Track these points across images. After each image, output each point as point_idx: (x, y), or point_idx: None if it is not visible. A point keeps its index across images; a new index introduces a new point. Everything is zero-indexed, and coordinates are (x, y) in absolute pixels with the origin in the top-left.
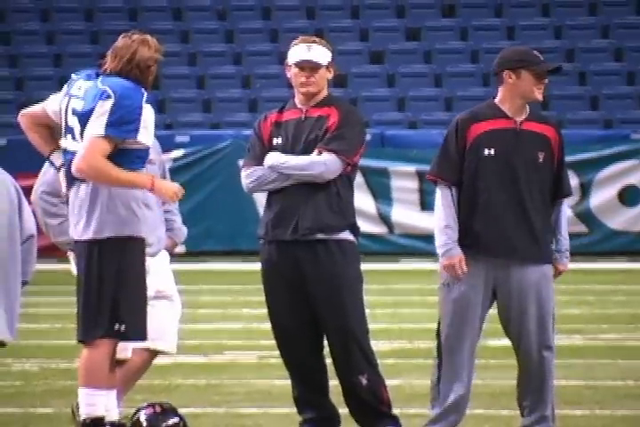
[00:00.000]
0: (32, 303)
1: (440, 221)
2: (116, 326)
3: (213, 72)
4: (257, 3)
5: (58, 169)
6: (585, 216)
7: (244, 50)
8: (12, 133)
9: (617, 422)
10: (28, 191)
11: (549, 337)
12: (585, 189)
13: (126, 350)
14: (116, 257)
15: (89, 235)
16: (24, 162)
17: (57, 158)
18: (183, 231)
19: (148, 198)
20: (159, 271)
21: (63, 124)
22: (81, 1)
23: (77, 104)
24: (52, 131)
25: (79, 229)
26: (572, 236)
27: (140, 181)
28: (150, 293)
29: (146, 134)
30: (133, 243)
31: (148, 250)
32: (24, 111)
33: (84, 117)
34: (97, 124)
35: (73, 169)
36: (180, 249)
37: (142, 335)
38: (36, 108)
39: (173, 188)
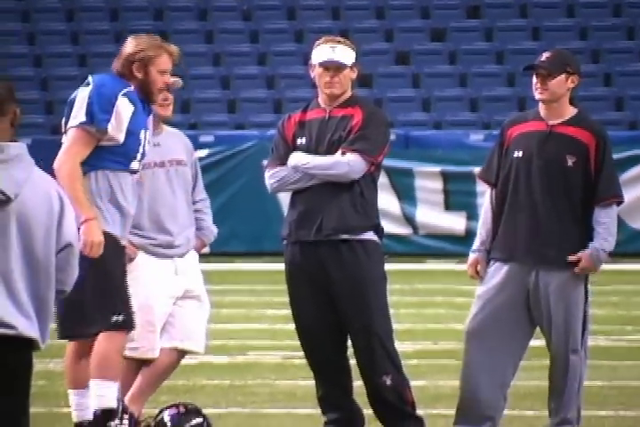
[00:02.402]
0: None
1: (479, 222)
2: (114, 318)
3: (238, 72)
4: (282, 3)
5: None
6: None
7: (269, 50)
8: (37, 133)
9: None
10: None
11: (577, 341)
12: None
13: (153, 350)
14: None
15: None
16: (48, 161)
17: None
18: (213, 231)
19: (123, 197)
20: (187, 271)
21: None
22: (106, 1)
23: None
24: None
25: None
26: None
27: (83, 207)
28: (179, 293)
29: (117, 128)
30: (107, 239)
31: (176, 251)
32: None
33: (68, 107)
34: (79, 113)
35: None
36: (205, 249)
37: (134, 326)
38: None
39: (96, 240)
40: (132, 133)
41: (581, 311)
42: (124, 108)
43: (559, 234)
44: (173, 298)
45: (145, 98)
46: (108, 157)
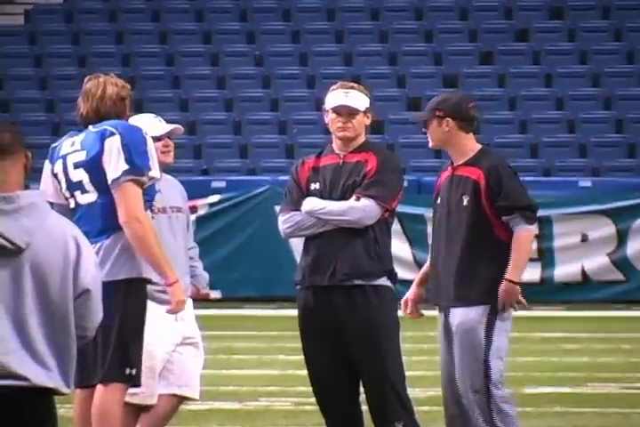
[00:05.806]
0: None
1: None
2: (127, 371)
3: (250, 117)
4: (294, 49)
5: None
6: (622, 264)
7: (282, 95)
8: None
9: None
10: None
11: (477, 381)
12: (621, 237)
13: (153, 396)
14: (122, 299)
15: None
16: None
17: None
18: (205, 277)
19: None
20: (186, 318)
21: (65, 185)
22: (117, 48)
23: (78, 156)
24: None
25: None
26: (608, 283)
27: (168, 269)
28: (178, 339)
29: (155, 168)
30: (141, 284)
31: None
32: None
33: (92, 163)
34: (118, 164)
35: (121, 221)
36: (216, 295)
37: (140, 381)
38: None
39: (183, 300)
40: None
41: (486, 350)
42: (153, 148)
43: (462, 271)
44: (173, 345)
45: None
46: (144, 198)
